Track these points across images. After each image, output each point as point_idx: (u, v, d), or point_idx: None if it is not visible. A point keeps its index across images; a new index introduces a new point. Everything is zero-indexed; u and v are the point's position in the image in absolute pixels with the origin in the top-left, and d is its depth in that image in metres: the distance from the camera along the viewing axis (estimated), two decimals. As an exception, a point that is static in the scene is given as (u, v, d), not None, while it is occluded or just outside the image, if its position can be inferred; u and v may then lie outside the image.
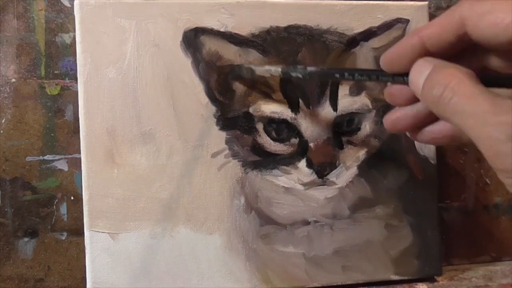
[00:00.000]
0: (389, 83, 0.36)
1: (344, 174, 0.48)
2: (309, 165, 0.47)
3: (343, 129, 0.48)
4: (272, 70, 0.43)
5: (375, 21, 0.49)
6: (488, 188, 0.57)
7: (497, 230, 0.57)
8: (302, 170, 0.47)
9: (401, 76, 0.32)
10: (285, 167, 0.47)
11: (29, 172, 0.48)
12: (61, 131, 0.49)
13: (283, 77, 0.43)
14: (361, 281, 0.49)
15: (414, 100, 0.33)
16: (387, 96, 0.35)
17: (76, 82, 0.45)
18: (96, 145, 0.44)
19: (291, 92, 0.46)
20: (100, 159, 0.44)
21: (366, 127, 0.48)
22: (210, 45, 0.46)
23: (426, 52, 0.31)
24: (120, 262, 0.45)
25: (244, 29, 0.47)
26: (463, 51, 0.31)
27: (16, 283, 0.48)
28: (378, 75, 0.34)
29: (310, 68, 0.39)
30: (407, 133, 0.35)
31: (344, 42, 0.48)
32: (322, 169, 0.47)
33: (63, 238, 0.49)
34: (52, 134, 0.49)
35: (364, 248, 0.49)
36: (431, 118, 0.33)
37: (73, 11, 0.45)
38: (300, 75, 0.40)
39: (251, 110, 0.47)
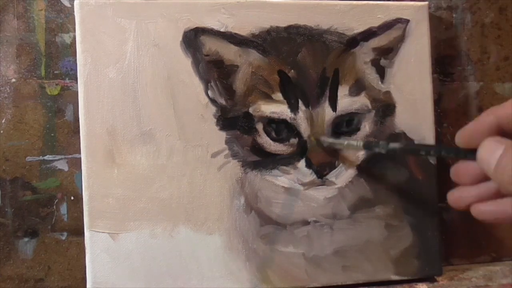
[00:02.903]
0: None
1: (344, 174, 0.48)
2: (309, 165, 0.47)
3: (342, 129, 0.48)
4: (354, 144, 0.44)
5: (375, 21, 0.49)
6: (488, 188, 0.57)
7: (497, 230, 0.57)
8: (302, 170, 0.47)
9: (473, 152, 0.33)
10: (284, 167, 0.47)
11: (29, 172, 0.48)
12: (61, 131, 0.49)
13: (365, 149, 0.44)
14: (361, 281, 0.49)
15: (479, 180, 0.34)
16: (453, 174, 0.36)
17: (76, 82, 0.45)
18: (96, 145, 0.45)
19: (291, 92, 0.46)
20: (100, 159, 0.45)
21: (366, 127, 0.48)
22: (210, 45, 0.46)
23: (501, 131, 0.32)
24: (120, 262, 0.45)
25: (244, 29, 0.47)
26: None
27: (16, 283, 0.48)
28: (454, 152, 0.36)
29: (393, 145, 0.39)
30: (472, 211, 0.36)
31: (344, 42, 0.48)
32: (322, 169, 0.47)
33: (63, 238, 0.49)
34: (52, 134, 0.49)
35: (364, 248, 0.49)
36: (492, 197, 0.34)
37: (73, 11, 0.45)
38: (383, 151, 0.41)
39: (251, 110, 0.47)
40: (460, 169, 0.36)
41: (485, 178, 0.34)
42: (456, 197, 0.36)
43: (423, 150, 0.39)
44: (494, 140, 0.32)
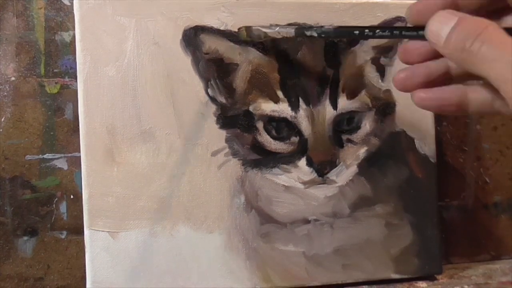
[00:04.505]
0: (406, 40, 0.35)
1: (344, 173, 0.48)
2: (309, 163, 0.47)
3: (343, 127, 0.48)
4: (284, 31, 0.41)
5: (375, 20, 0.49)
6: (487, 187, 0.57)
7: (497, 228, 0.57)
8: (302, 168, 0.47)
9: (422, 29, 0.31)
10: (285, 165, 0.47)
11: (28, 171, 0.48)
12: (61, 129, 0.49)
13: (296, 36, 0.40)
14: (362, 280, 0.49)
15: (428, 57, 0.33)
16: (401, 53, 0.35)
17: (76, 81, 0.45)
18: (96, 144, 0.44)
19: (291, 90, 0.46)
20: (100, 157, 0.44)
21: (366, 125, 0.48)
22: (210, 43, 0.46)
23: (455, 8, 0.31)
24: (120, 261, 0.45)
25: (244, 28, 0.47)
26: (489, 13, 0.31)
27: (15, 282, 0.48)
28: (399, 30, 0.34)
29: (327, 27, 0.37)
30: (414, 98, 0.34)
31: (344, 41, 0.48)
32: (322, 168, 0.47)
33: (63, 237, 0.49)
34: (51, 133, 0.49)
35: (364, 246, 0.48)
36: (441, 79, 0.34)
37: (73, 9, 0.45)
38: (315, 34, 0.38)
39: (251, 108, 0.46)
40: (409, 47, 0.34)
41: (434, 56, 0.33)
42: (403, 77, 0.34)
43: (358, 30, 0.35)
44: (446, 12, 0.30)
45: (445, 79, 0.34)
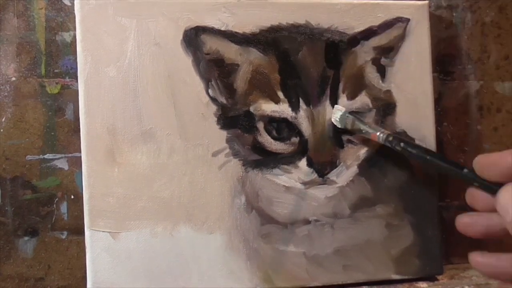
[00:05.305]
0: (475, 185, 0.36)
1: (345, 173, 0.48)
2: (310, 164, 0.47)
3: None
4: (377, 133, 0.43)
5: (376, 20, 0.49)
6: (488, 187, 0.57)
7: (497, 229, 0.57)
8: (303, 169, 0.47)
9: (493, 187, 0.32)
10: (285, 166, 0.47)
11: (29, 171, 0.48)
12: (62, 130, 0.49)
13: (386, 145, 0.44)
14: (362, 281, 0.49)
15: (493, 209, 0.33)
16: (468, 196, 0.36)
17: (77, 81, 0.45)
18: (96, 144, 0.44)
19: (292, 91, 0.46)
20: (100, 158, 0.44)
21: (367, 126, 0.48)
22: (211, 44, 0.46)
23: None
24: (120, 261, 0.45)
25: (245, 28, 0.47)
26: None
27: (16, 282, 0.48)
28: (472, 176, 0.35)
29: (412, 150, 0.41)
30: (470, 260, 0.36)
31: (345, 41, 0.48)
32: (323, 168, 0.47)
33: (64, 237, 0.49)
34: (52, 133, 0.49)
35: (365, 247, 0.48)
36: (501, 233, 0.34)
37: (74, 10, 0.45)
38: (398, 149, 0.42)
39: (251, 109, 0.46)
40: (476, 194, 0.35)
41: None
42: (465, 222, 0.36)
43: (443, 169, 0.39)
44: None
45: (506, 233, 0.33)
